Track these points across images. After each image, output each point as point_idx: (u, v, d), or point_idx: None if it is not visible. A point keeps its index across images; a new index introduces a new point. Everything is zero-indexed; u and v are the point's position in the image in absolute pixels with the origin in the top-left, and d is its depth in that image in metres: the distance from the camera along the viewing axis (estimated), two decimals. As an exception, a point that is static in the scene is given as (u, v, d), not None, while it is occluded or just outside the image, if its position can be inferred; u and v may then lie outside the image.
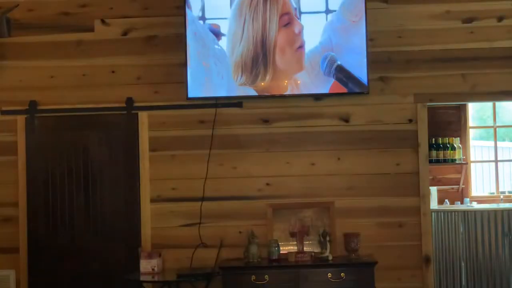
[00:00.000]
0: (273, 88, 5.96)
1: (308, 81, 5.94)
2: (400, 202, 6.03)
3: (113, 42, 6.24)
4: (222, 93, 6.00)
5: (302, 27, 5.91)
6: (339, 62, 5.91)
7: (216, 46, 5.95)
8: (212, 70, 5.98)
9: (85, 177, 6.17)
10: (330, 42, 5.91)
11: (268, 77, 5.93)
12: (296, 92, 5.96)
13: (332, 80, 5.92)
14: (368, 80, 5.92)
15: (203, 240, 6.07)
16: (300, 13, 5.94)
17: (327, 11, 5.93)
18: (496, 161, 8.91)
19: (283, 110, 6.12)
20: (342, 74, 5.91)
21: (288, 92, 5.96)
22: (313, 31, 5.91)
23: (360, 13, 5.88)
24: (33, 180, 6.18)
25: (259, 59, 5.93)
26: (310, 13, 5.93)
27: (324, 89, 5.95)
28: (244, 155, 6.12)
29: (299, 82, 5.95)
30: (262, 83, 5.94)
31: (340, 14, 5.91)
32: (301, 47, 5.92)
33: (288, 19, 5.92)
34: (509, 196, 8.54)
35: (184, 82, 6.00)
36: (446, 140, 8.37)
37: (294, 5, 5.93)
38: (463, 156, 8.47)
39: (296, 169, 6.10)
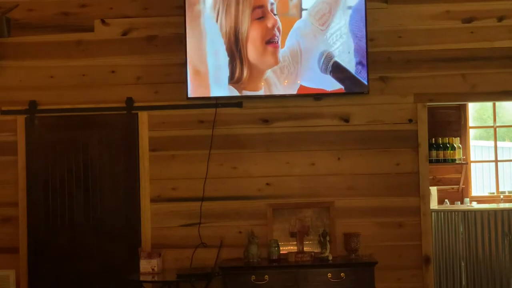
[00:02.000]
0: (250, 85, 5.95)
1: (278, 83, 5.96)
2: (400, 202, 6.03)
3: (113, 42, 6.24)
4: (225, 81, 5.97)
5: (277, 22, 5.91)
6: (335, 59, 5.91)
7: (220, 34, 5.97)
8: (221, 58, 5.97)
9: (85, 177, 6.18)
10: (298, 46, 5.92)
11: (245, 73, 5.93)
12: (268, 91, 5.95)
13: (298, 87, 5.93)
14: (368, 80, 5.92)
15: (203, 240, 6.08)
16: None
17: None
18: (496, 161, 8.92)
19: (283, 110, 6.12)
20: (339, 71, 5.91)
21: (262, 91, 5.95)
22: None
23: (327, 22, 5.88)
24: (33, 180, 6.18)
25: (234, 54, 5.92)
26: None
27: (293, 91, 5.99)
28: (244, 155, 6.13)
29: (272, 81, 5.95)
30: (240, 80, 5.93)
31: (308, 21, 5.92)
32: (274, 41, 5.91)
33: (262, 13, 5.92)
34: (509, 196, 8.54)
35: (184, 82, 6.00)
36: (446, 140, 8.38)
37: (271, 0, 5.93)
38: (463, 156, 8.47)
39: (296, 169, 6.10)
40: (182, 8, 6.00)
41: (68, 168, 6.18)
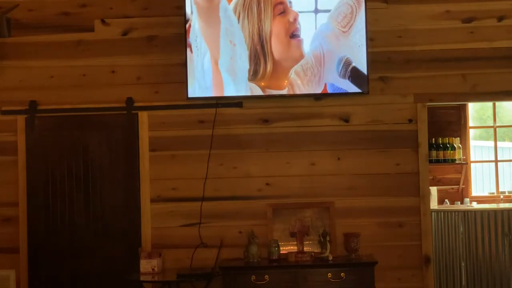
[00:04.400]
0: (274, 83, 5.95)
1: (301, 85, 5.96)
2: (400, 202, 6.03)
3: (113, 42, 6.24)
4: (243, 76, 5.95)
5: (297, 15, 5.92)
6: (354, 64, 5.90)
7: (239, 26, 5.95)
8: (237, 50, 5.96)
9: (85, 177, 6.18)
10: (321, 49, 5.92)
11: (269, 69, 5.93)
12: (291, 91, 5.96)
13: (322, 88, 5.94)
14: (368, 80, 5.92)
15: (203, 240, 6.08)
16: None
17: (316, 11, 5.95)
18: (496, 161, 8.92)
19: (283, 110, 6.12)
20: (357, 76, 5.91)
21: (285, 91, 5.96)
22: (304, 37, 5.95)
23: (349, 23, 5.88)
24: (33, 180, 6.18)
25: (257, 52, 5.93)
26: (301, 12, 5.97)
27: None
28: (244, 155, 6.13)
29: (295, 82, 5.95)
30: (264, 77, 5.94)
31: (330, 24, 5.92)
32: (298, 35, 5.93)
33: (283, 8, 5.94)
34: (509, 196, 8.54)
35: (184, 82, 6.00)
36: (446, 140, 8.38)
37: None
38: (463, 156, 8.47)
39: (296, 169, 6.10)
40: (182, 8, 6.00)
41: (68, 168, 6.18)
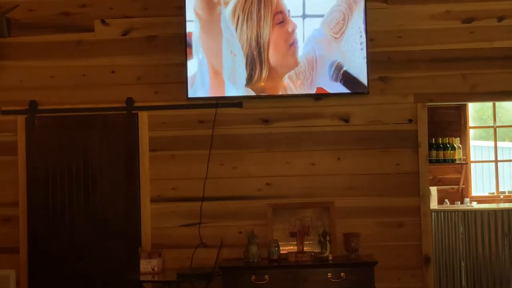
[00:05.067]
0: (269, 87, 5.96)
1: (294, 88, 5.97)
2: (400, 202, 6.03)
3: (113, 42, 6.24)
4: (242, 82, 5.97)
5: (295, 26, 5.93)
6: (345, 68, 5.91)
7: (236, 33, 5.96)
8: (237, 59, 5.97)
9: (85, 177, 6.18)
10: (313, 53, 5.93)
11: (264, 75, 5.94)
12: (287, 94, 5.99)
13: (314, 91, 5.96)
14: (368, 80, 5.92)
15: (203, 240, 6.08)
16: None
17: (304, 16, 5.96)
18: (496, 161, 8.92)
19: (283, 110, 6.12)
20: (348, 79, 5.92)
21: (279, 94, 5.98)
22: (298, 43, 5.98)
23: (341, 30, 5.89)
24: (33, 180, 6.18)
25: (254, 57, 5.93)
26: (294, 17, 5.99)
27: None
28: (244, 155, 6.13)
29: (288, 86, 5.96)
30: (259, 82, 5.95)
31: (322, 29, 5.93)
32: (294, 44, 5.94)
33: (282, 18, 5.95)
34: (509, 196, 8.54)
35: (184, 82, 6.00)
36: (446, 140, 8.38)
37: (288, 7, 5.94)
38: (463, 156, 8.48)
39: (296, 169, 6.10)
40: (182, 8, 6.01)
41: (68, 168, 6.18)
